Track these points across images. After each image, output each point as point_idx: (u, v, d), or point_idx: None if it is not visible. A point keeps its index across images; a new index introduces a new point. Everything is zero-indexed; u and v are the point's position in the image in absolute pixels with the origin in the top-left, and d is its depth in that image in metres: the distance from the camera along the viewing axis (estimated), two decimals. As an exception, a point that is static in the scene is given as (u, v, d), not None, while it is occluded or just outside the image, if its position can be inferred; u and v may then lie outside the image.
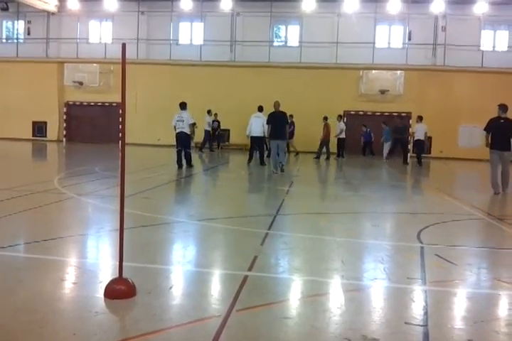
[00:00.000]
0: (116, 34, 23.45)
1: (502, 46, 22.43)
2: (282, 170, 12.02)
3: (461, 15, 21.53)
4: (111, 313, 2.95)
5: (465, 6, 21.19)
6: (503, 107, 9.51)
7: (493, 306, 3.36)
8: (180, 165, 12.34)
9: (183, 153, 12.42)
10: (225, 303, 3.08)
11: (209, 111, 19.78)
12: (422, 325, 2.86)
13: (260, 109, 14.61)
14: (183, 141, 12.45)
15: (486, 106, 21.17)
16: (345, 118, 19.44)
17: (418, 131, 16.85)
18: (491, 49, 22.38)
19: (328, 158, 18.08)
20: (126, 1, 22.88)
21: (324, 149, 18.30)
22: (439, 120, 20.65)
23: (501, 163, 9.43)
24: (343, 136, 18.56)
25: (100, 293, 3.14)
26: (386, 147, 18.44)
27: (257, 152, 14.70)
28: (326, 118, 18.53)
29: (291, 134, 18.99)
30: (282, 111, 12.57)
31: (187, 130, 12.46)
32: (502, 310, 3.31)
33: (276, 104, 12.68)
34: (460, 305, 3.34)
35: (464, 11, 21.38)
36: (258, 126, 13.97)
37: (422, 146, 17.05)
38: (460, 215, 7.00)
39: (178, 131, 12.48)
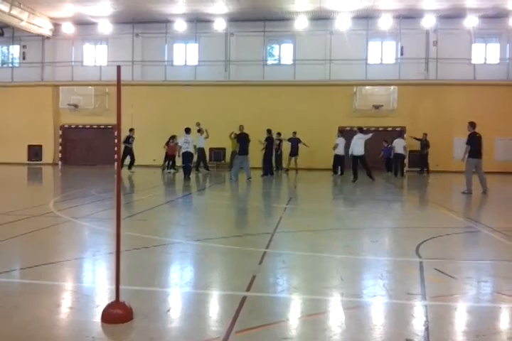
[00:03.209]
0: (111, 56, 23.75)
1: (493, 59, 22.74)
2: (249, 179, 14.79)
3: (451, 29, 21.90)
4: (108, 338, 2.91)
5: (455, 20, 21.57)
6: (473, 124, 11.97)
7: (495, 320, 3.33)
8: (186, 177, 15.19)
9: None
10: (224, 325, 3.04)
11: (199, 130, 19.74)
12: (423, 342, 2.83)
13: (361, 130, 16.12)
14: (189, 158, 15.56)
15: (479, 118, 21.41)
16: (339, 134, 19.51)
17: (397, 145, 18.27)
18: (483, 62, 22.67)
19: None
20: (121, 23, 23.22)
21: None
22: (433, 133, 20.80)
23: (477, 168, 11.73)
24: (337, 152, 18.44)
25: (97, 317, 3.10)
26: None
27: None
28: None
29: (297, 151, 19.39)
30: (246, 133, 15.50)
31: (191, 150, 15.70)
32: (503, 324, 3.27)
33: (241, 127, 15.75)
34: (461, 320, 3.30)
35: (455, 25, 21.75)
36: (361, 145, 15.46)
37: (403, 160, 18.65)
38: (457, 228, 6.98)
39: (183, 150, 15.63)
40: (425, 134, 20.25)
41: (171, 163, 18.86)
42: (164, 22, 23.08)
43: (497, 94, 21.60)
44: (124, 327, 3.00)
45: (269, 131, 17.86)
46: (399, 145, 18.24)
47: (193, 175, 16.41)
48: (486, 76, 21.75)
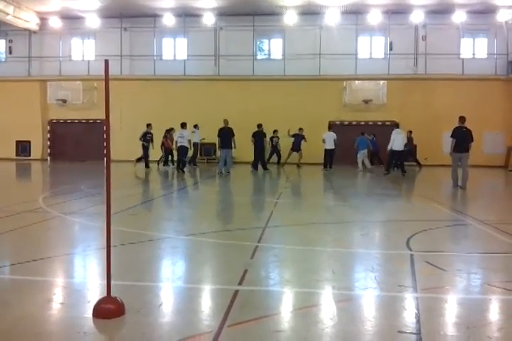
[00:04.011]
0: (99, 51, 23.48)
1: (481, 54, 22.89)
2: (228, 173, 15.34)
3: (440, 24, 21.95)
4: (100, 333, 2.90)
5: (444, 15, 21.63)
6: (462, 118, 11.97)
7: (485, 311, 3.37)
8: (178, 170, 16.21)
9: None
10: (216, 319, 3.04)
11: (196, 126, 19.63)
12: (415, 333, 2.85)
13: (397, 125, 16.92)
14: (183, 152, 16.43)
15: (467, 112, 21.53)
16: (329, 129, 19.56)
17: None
18: (471, 56, 22.81)
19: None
20: (109, 18, 22.95)
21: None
22: (422, 128, 20.92)
23: (461, 163, 11.47)
24: (327, 146, 18.53)
25: (89, 312, 3.08)
26: (360, 157, 18.65)
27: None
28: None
29: (299, 147, 19.71)
30: (229, 127, 15.70)
31: (186, 144, 16.49)
32: (493, 315, 3.31)
33: (225, 122, 15.98)
34: (452, 312, 3.33)
35: (443, 20, 21.80)
36: (401, 140, 15.84)
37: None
38: (447, 221, 7.05)
39: (179, 144, 16.43)
40: (410, 131, 20.06)
41: (170, 157, 18.79)
42: (152, 16, 22.85)
43: (485, 89, 21.76)
44: (115, 322, 2.99)
45: (258, 126, 17.83)
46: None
47: (184, 170, 16.67)
48: (474, 71, 21.87)
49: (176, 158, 17.80)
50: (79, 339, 2.74)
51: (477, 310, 3.34)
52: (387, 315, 3.23)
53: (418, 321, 3.04)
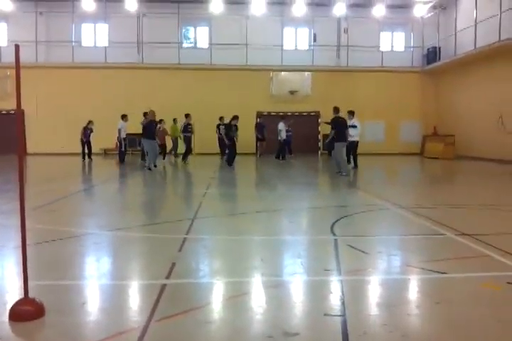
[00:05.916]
0: (12, 36, 21.93)
1: (399, 47, 24.07)
2: (147, 167, 14.07)
3: (361, 17, 22.76)
4: (18, 337, 2.72)
5: (365, 8, 22.46)
6: (336, 109, 12.54)
7: (405, 291, 3.56)
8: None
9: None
10: (144, 314, 2.96)
11: (123, 117, 18.46)
12: (340, 315, 2.95)
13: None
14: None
15: (386, 103, 22.69)
16: (257, 119, 19.73)
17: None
18: (390, 49, 23.90)
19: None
20: (22, 0, 21.44)
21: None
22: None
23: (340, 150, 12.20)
24: (281, 137, 18.29)
25: (5, 316, 2.89)
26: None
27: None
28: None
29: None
30: (153, 120, 14.62)
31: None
32: (412, 294, 3.51)
33: (149, 112, 14.75)
34: (374, 292, 3.49)
35: (364, 14, 22.64)
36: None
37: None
38: (368, 206, 7.37)
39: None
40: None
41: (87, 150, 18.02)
42: (71, 0, 21.66)
43: (403, 81, 22.96)
44: (35, 324, 2.83)
45: (220, 118, 17.83)
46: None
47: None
48: (392, 63, 22.98)
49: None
50: (-7, 345, 2.56)
51: (397, 289, 3.52)
52: (314, 298, 3.32)
53: (343, 303, 3.15)
